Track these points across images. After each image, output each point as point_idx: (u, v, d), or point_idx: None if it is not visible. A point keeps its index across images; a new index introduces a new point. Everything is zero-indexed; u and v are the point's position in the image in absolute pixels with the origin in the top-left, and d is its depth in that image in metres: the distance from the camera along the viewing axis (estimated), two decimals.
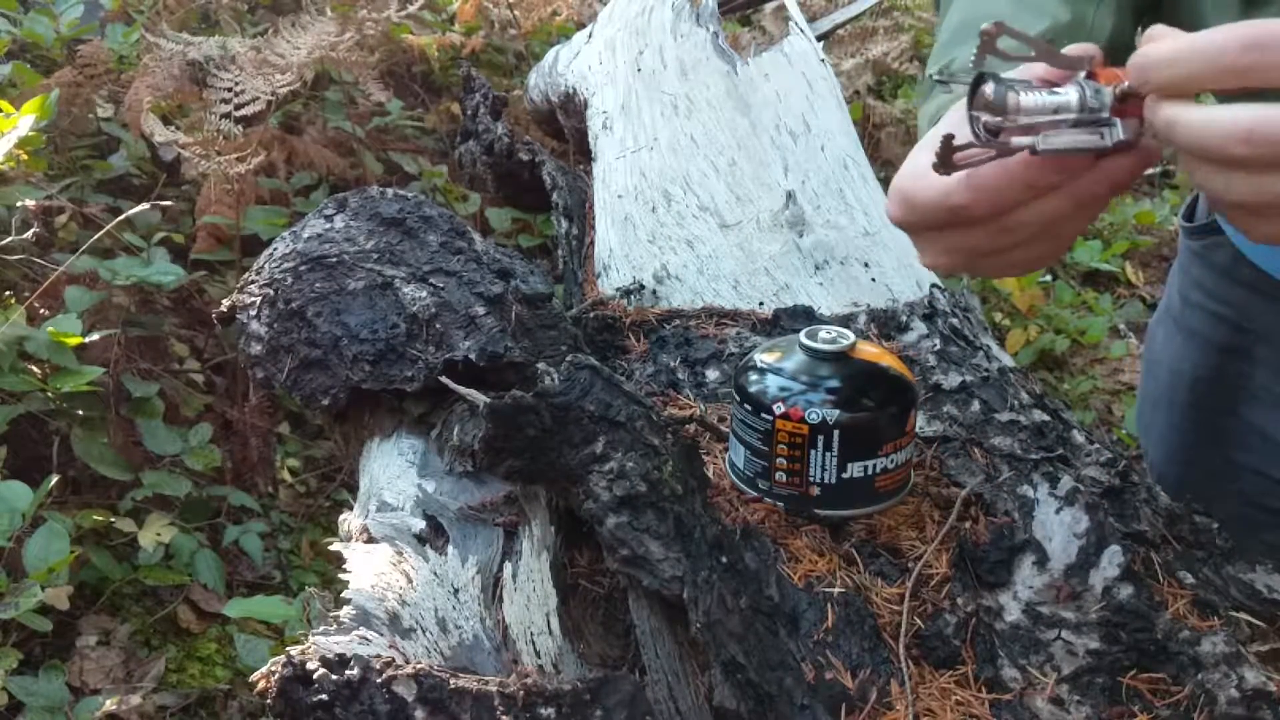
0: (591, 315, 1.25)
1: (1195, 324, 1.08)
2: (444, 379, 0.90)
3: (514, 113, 2.45)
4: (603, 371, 0.84)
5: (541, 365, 0.85)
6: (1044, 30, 0.79)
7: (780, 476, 0.87)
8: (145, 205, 1.79)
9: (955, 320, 1.18)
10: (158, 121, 1.95)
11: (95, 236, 1.76)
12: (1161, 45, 0.55)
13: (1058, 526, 0.87)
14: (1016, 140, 0.59)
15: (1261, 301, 1.01)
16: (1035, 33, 0.76)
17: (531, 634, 0.79)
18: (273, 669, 0.71)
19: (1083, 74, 0.60)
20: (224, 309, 1.11)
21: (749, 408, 0.87)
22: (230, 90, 2.08)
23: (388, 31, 2.59)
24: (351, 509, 0.97)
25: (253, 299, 1.07)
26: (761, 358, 0.90)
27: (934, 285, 1.28)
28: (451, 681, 0.71)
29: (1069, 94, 0.59)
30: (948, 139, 0.60)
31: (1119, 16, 0.86)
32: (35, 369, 1.66)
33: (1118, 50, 0.84)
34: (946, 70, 0.72)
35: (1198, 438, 1.11)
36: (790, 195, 1.38)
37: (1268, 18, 0.57)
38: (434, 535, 0.89)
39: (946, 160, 0.61)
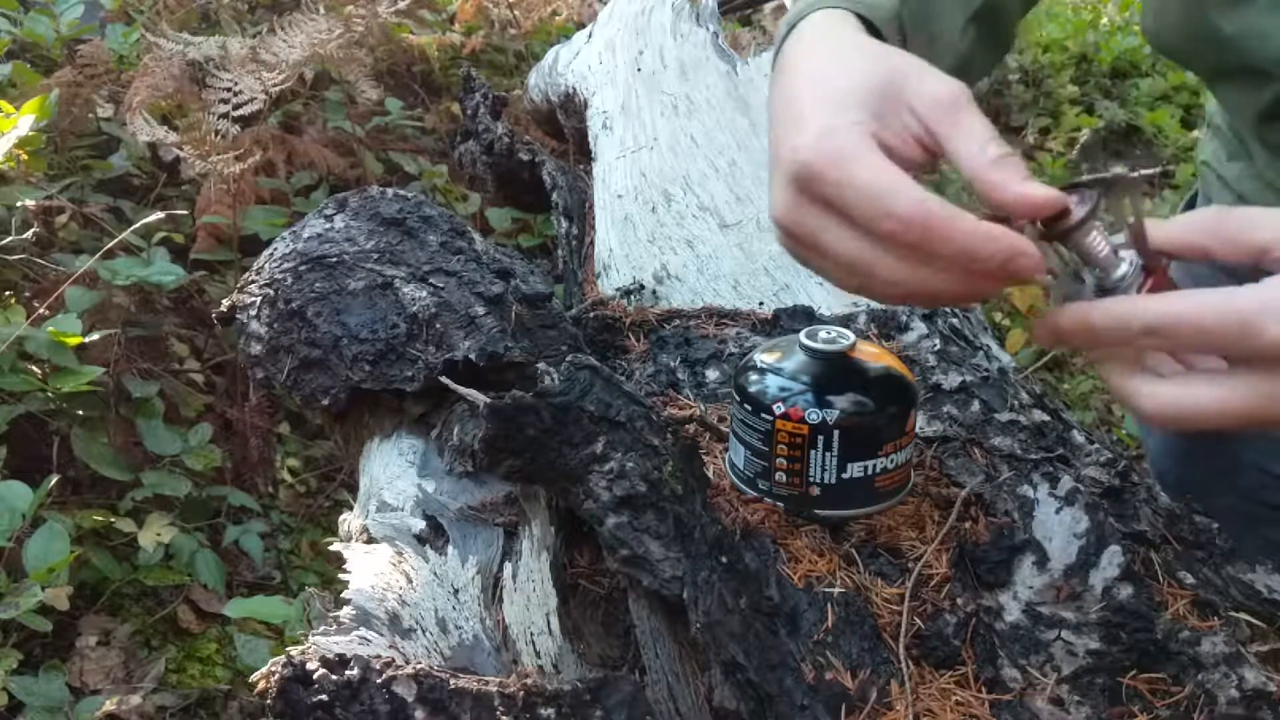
0: (591, 315, 1.25)
1: None
2: (444, 379, 0.90)
3: (514, 113, 2.45)
4: (603, 371, 0.84)
5: (541, 365, 0.85)
6: None
7: (780, 477, 0.87)
8: (158, 215, 1.79)
9: (955, 320, 1.18)
10: (147, 120, 1.95)
11: (106, 246, 1.75)
12: (1099, 315, 0.59)
13: (1058, 526, 0.87)
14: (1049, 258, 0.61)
15: None
16: None
17: (531, 634, 0.79)
18: (273, 669, 0.71)
19: (1138, 262, 0.62)
20: (224, 309, 1.11)
21: (749, 408, 0.87)
22: (229, 90, 2.08)
23: (386, 31, 2.59)
24: (351, 509, 0.97)
25: (252, 299, 1.07)
26: (761, 358, 0.90)
27: None
28: (451, 682, 0.71)
29: (1122, 266, 0.62)
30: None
31: None
32: (35, 369, 1.66)
33: (993, 9, 0.85)
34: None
35: (1198, 435, 1.11)
36: None
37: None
38: (434, 535, 0.89)
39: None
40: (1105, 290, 0.62)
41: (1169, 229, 0.62)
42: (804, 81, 0.65)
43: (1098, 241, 0.62)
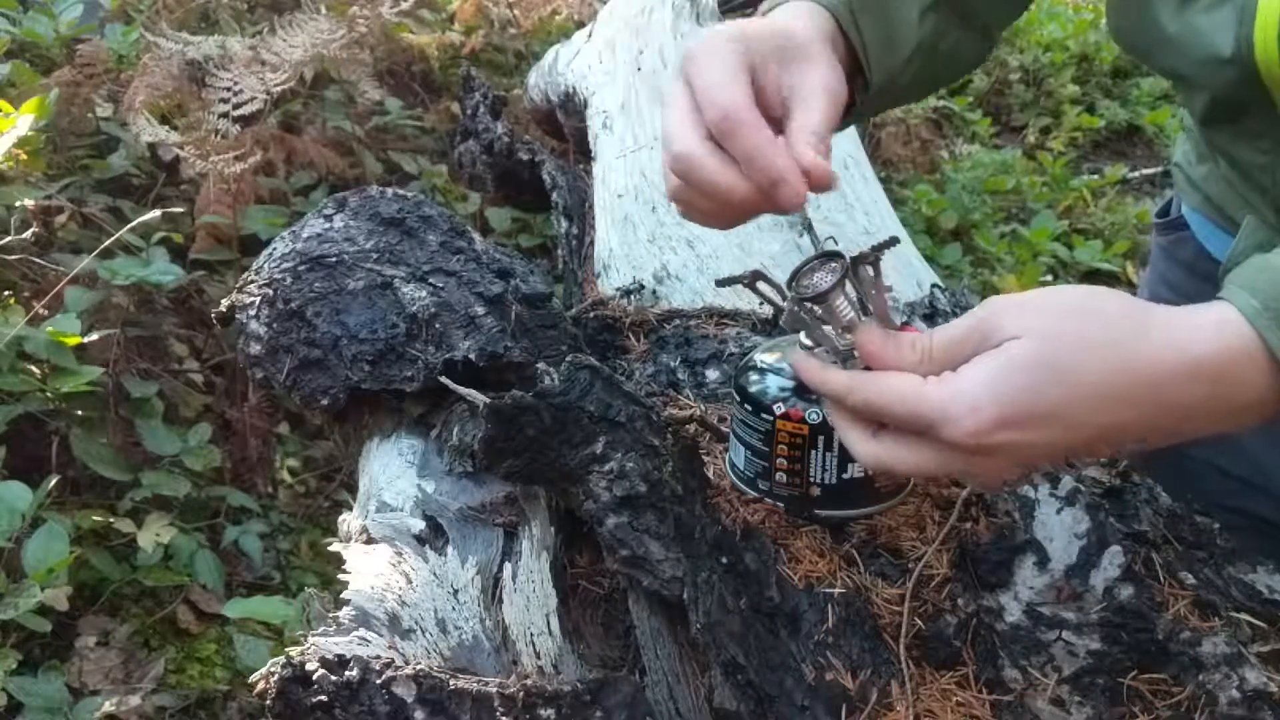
0: (591, 315, 1.25)
1: None
2: (444, 379, 0.90)
3: (514, 112, 2.45)
4: (603, 371, 0.83)
5: (541, 365, 0.85)
6: None
7: (780, 477, 0.87)
8: (155, 213, 1.79)
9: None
10: (147, 120, 1.95)
11: (104, 244, 1.75)
12: (815, 370, 0.71)
13: (1058, 527, 0.87)
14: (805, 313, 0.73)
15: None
16: None
17: (531, 635, 0.79)
18: (272, 670, 0.71)
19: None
20: (223, 309, 1.11)
21: (749, 408, 0.87)
22: (229, 90, 2.08)
23: (386, 30, 2.59)
24: (351, 509, 0.97)
25: (252, 299, 1.07)
26: (761, 358, 0.90)
27: (934, 285, 1.28)
28: (451, 682, 0.71)
29: (860, 333, 0.70)
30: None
31: None
32: (34, 369, 1.65)
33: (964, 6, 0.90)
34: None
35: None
36: None
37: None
38: (434, 536, 0.88)
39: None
40: (848, 353, 0.72)
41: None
42: (731, 26, 0.77)
43: (843, 307, 0.72)
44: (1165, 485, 1.00)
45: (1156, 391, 0.61)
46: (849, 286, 0.73)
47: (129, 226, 1.78)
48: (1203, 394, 0.61)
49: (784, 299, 0.76)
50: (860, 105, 0.87)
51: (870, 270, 0.74)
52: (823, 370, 0.71)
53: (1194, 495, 0.98)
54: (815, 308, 0.72)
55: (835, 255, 0.73)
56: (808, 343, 0.76)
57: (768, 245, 1.34)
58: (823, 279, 0.72)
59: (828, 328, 0.73)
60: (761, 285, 0.79)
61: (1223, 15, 0.78)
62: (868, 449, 0.69)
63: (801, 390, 0.85)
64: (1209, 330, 0.62)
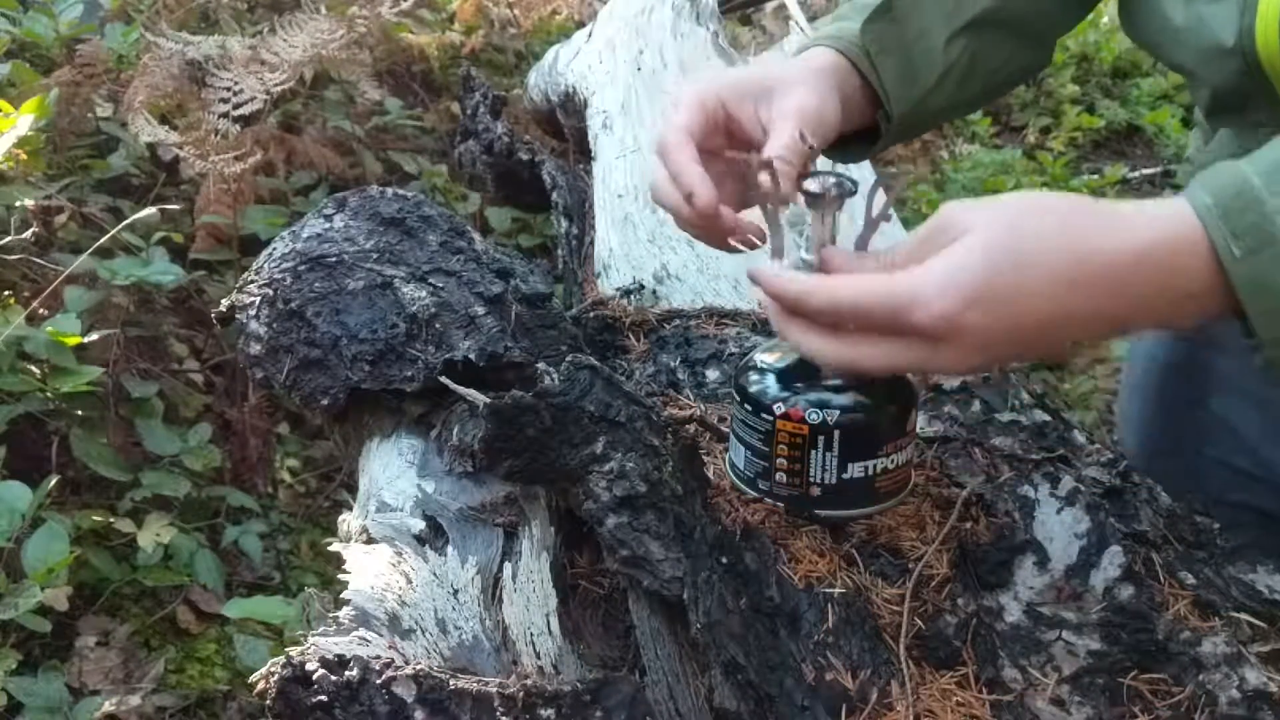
0: (591, 315, 1.25)
1: None
2: (444, 379, 0.90)
3: (514, 112, 2.45)
4: (603, 371, 0.83)
5: (541, 365, 0.85)
6: None
7: (781, 477, 0.87)
8: (150, 210, 1.79)
9: None
10: (147, 120, 1.95)
11: (99, 242, 1.75)
12: (775, 277, 0.73)
13: (1058, 527, 0.87)
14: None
15: None
16: None
17: (531, 635, 0.79)
18: (272, 670, 0.71)
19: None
20: (223, 309, 1.11)
21: (749, 408, 0.87)
22: (229, 90, 2.08)
23: (386, 30, 2.59)
24: (351, 509, 0.97)
25: (252, 299, 1.07)
26: (761, 358, 0.90)
27: None
28: (451, 682, 0.71)
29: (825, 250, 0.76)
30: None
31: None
32: (34, 369, 1.65)
33: (999, 14, 0.94)
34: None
35: (1167, 427, 1.13)
36: None
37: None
38: (434, 536, 0.88)
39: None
40: (809, 269, 0.76)
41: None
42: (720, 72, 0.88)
43: (821, 227, 0.77)
44: (1174, 482, 1.01)
45: (1108, 276, 0.64)
46: (833, 217, 0.78)
47: (125, 223, 1.77)
48: (1149, 280, 0.64)
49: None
50: (886, 134, 0.93)
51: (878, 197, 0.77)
52: (783, 273, 0.74)
53: (1201, 490, 0.98)
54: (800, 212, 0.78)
55: (846, 182, 0.78)
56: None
57: (769, 247, 1.34)
58: (825, 188, 0.77)
59: (797, 235, 0.77)
60: None
61: (1225, 6, 0.79)
62: (832, 348, 0.70)
63: (802, 390, 0.86)
64: (1160, 220, 0.64)
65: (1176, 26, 0.84)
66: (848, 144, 0.92)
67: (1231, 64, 0.81)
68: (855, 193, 0.78)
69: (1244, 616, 0.83)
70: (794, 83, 0.84)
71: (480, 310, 1.01)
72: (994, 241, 0.65)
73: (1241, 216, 0.62)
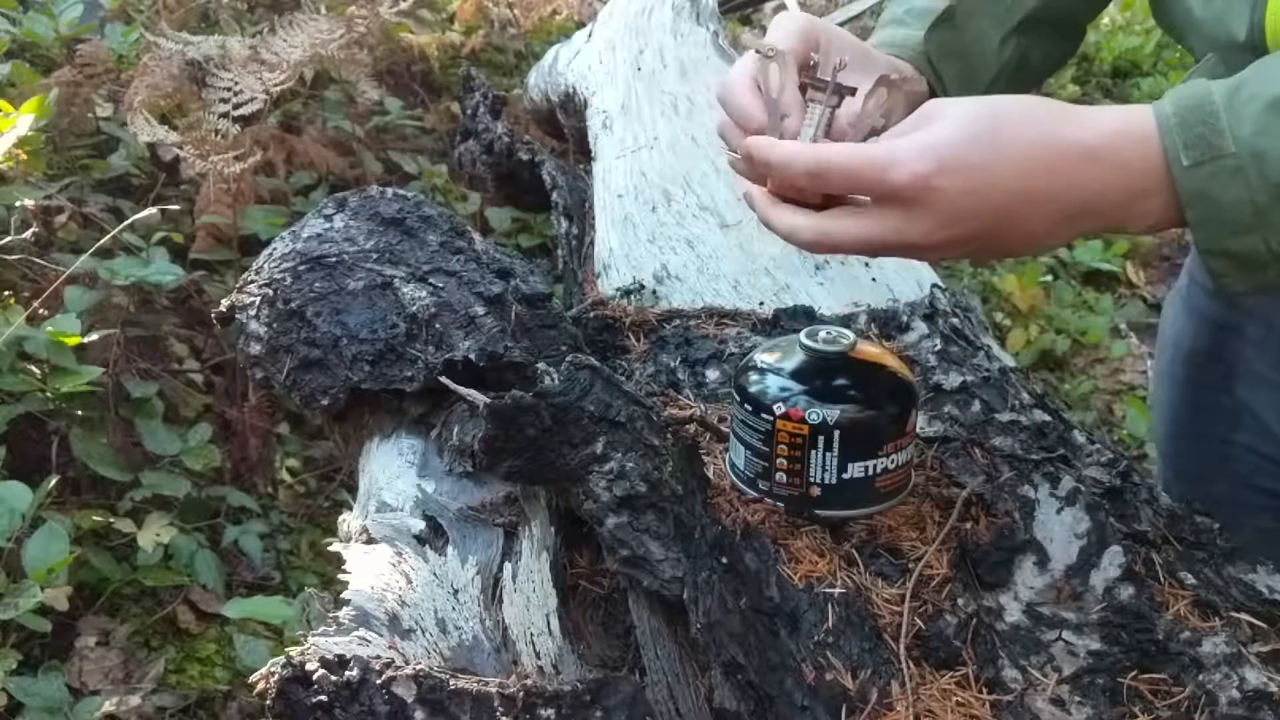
0: (591, 315, 1.25)
1: (1197, 300, 1.13)
2: (444, 379, 0.90)
3: (514, 112, 2.45)
4: (603, 371, 0.83)
5: (541, 365, 0.85)
6: None
7: (780, 477, 0.87)
8: (151, 211, 1.79)
9: (956, 320, 1.18)
10: (147, 120, 1.95)
11: (100, 242, 1.75)
12: (768, 147, 0.74)
13: (1058, 527, 0.87)
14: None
15: None
16: None
17: (531, 635, 0.79)
18: (272, 670, 0.71)
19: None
20: (223, 309, 1.11)
21: (749, 408, 0.87)
22: (229, 90, 2.08)
23: (386, 30, 2.59)
24: (351, 509, 0.97)
25: (252, 299, 1.07)
26: (761, 358, 0.90)
27: (934, 285, 1.28)
28: (451, 682, 0.71)
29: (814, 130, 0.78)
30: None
31: None
32: (34, 369, 1.65)
33: (1046, 13, 0.99)
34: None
35: (1196, 414, 1.14)
36: None
37: None
38: (434, 536, 0.88)
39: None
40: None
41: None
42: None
43: (812, 120, 0.78)
44: (1203, 465, 1.09)
45: (1070, 160, 0.68)
46: (830, 112, 0.79)
47: (126, 224, 1.77)
48: (1104, 173, 0.67)
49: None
50: None
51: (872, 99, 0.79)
52: (772, 141, 0.75)
53: (1228, 476, 1.04)
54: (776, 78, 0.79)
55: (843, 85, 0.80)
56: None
57: (768, 245, 1.34)
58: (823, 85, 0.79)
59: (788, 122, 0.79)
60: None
61: (1238, 1, 0.82)
62: (810, 222, 0.73)
63: (801, 390, 0.86)
64: (1122, 121, 0.68)
65: (1197, 18, 0.87)
66: None
67: (1245, 57, 0.82)
68: (854, 93, 0.79)
69: (1244, 616, 0.83)
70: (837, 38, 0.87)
71: (480, 310, 1.01)
72: (972, 116, 0.69)
73: (1194, 129, 0.65)
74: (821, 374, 0.87)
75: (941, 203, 0.68)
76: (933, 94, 0.94)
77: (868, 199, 0.71)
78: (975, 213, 0.68)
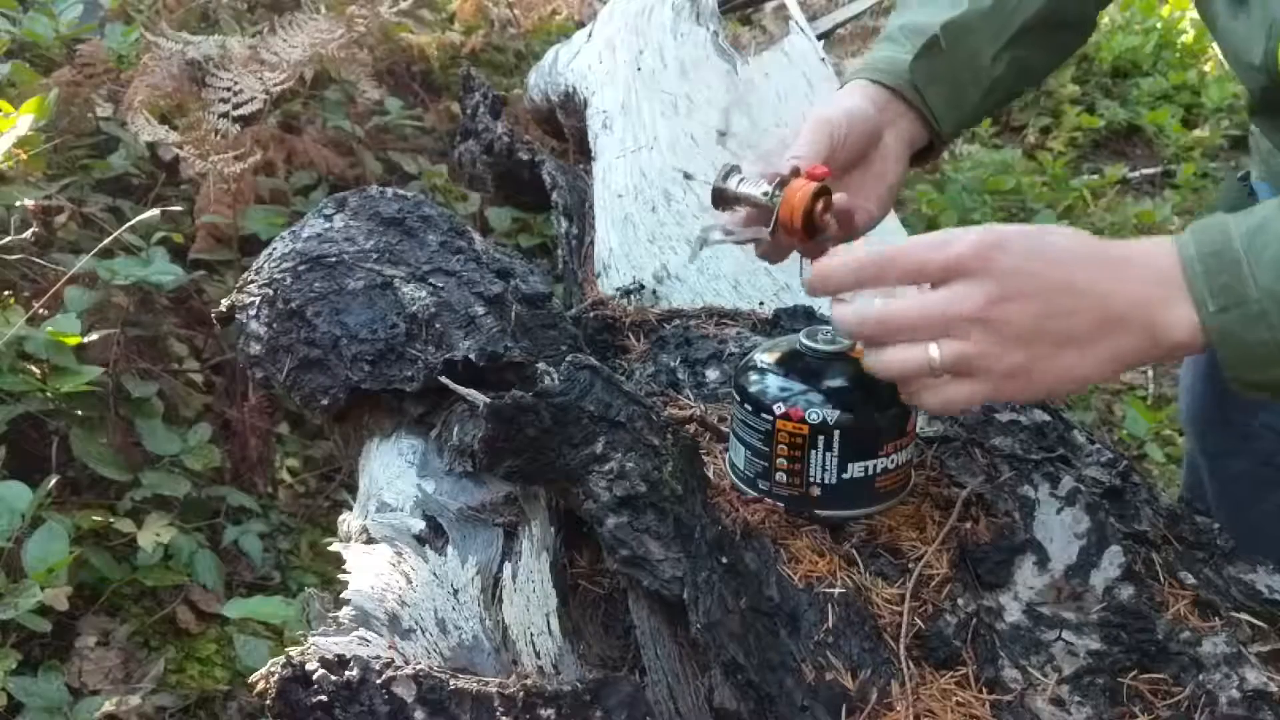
0: (591, 315, 1.25)
1: None
2: (444, 379, 0.90)
3: (514, 112, 2.44)
4: (603, 371, 0.83)
5: (541, 365, 0.85)
6: (960, 13, 0.98)
7: (780, 477, 0.87)
8: (154, 212, 1.79)
9: None
10: (147, 120, 1.95)
11: (102, 244, 1.75)
12: (831, 261, 0.79)
13: (1058, 527, 0.87)
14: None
15: None
16: (950, 15, 0.98)
17: (531, 635, 0.79)
18: (272, 670, 0.71)
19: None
20: (223, 309, 1.11)
21: (749, 408, 0.87)
22: (229, 90, 2.08)
23: (386, 30, 2.59)
24: (351, 509, 0.97)
25: (252, 299, 1.07)
26: (761, 358, 0.90)
27: None
28: (451, 682, 0.71)
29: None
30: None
31: None
32: (35, 369, 1.65)
33: (1054, 16, 1.01)
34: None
35: (1219, 396, 1.17)
36: None
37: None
38: (434, 536, 0.88)
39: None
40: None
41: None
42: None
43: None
44: (1226, 445, 1.14)
45: (1112, 262, 0.73)
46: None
47: (127, 225, 1.77)
48: (1141, 272, 0.72)
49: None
50: (940, 146, 1.02)
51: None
52: (855, 253, 0.81)
53: (1250, 454, 1.10)
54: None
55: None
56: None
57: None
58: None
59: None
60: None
61: (1255, 27, 0.86)
62: (874, 306, 0.77)
63: (801, 390, 0.86)
64: (1151, 240, 0.74)
65: (1220, 29, 0.93)
66: (915, 157, 1.02)
67: (1260, 78, 0.88)
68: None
69: (1244, 616, 0.83)
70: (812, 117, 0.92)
71: (480, 310, 1.01)
72: (1020, 227, 0.75)
73: (1218, 277, 0.68)
74: (821, 374, 0.87)
75: (1000, 270, 0.71)
76: (919, 113, 0.97)
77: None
78: (1031, 291, 0.71)
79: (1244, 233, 0.68)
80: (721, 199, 0.88)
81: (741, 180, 0.87)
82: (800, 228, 0.84)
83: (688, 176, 0.91)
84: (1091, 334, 0.72)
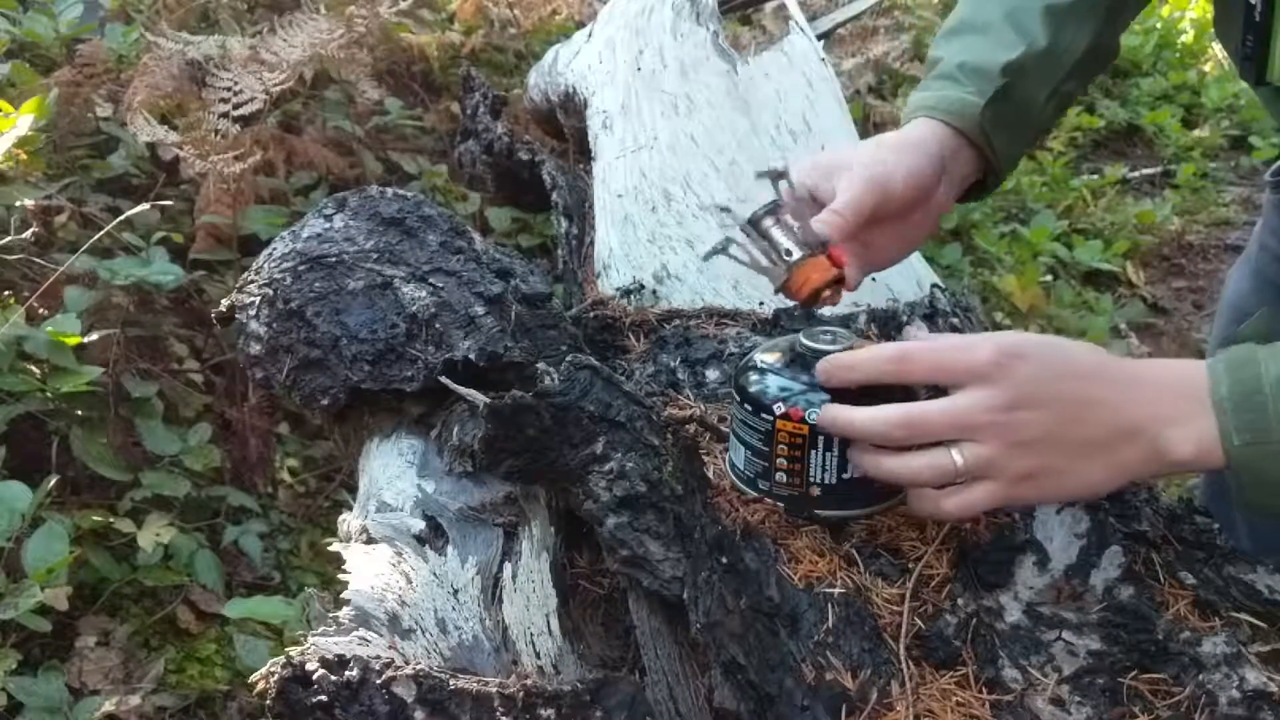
0: (591, 315, 1.25)
1: (1263, 267, 1.22)
2: (444, 379, 0.90)
3: (514, 112, 2.44)
4: (603, 371, 0.83)
5: (541, 365, 0.85)
6: (1019, 55, 1.01)
7: (780, 477, 0.87)
8: (145, 206, 1.79)
9: (956, 320, 1.18)
10: (147, 120, 1.95)
11: (95, 237, 1.75)
12: (842, 357, 0.84)
13: (1058, 527, 0.87)
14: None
15: None
16: (1009, 57, 1.00)
17: (531, 635, 0.79)
18: (272, 670, 0.71)
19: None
20: (223, 309, 1.11)
21: (749, 408, 0.87)
22: (229, 90, 2.07)
23: (386, 30, 2.59)
24: (351, 509, 0.97)
25: (252, 299, 1.07)
26: (761, 358, 0.90)
27: (934, 285, 1.28)
28: (451, 682, 0.71)
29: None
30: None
31: (1093, 25, 1.05)
32: (34, 369, 1.65)
33: (1096, 50, 1.05)
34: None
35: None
36: None
37: None
38: (434, 536, 0.88)
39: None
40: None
41: None
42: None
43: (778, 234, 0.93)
44: None
45: (1126, 379, 0.78)
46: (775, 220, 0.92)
47: (120, 218, 1.77)
48: (1156, 390, 0.77)
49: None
50: (993, 183, 1.06)
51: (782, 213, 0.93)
52: (875, 350, 0.84)
53: None
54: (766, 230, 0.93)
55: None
56: (810, 344, 0.87)
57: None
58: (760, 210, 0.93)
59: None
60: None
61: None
62: (896, 410, 0.79)
63: (801, 390, 0.86)
64: (1174, 362, 0.80)
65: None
66: (965, 194, 1.06)
67: (1267, 93, 0.96)
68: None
69: (1244, 616, 0.83)
70: (860, 160, 0.95)
71: (480, 310, 1.01)
72: (1040, 337, 0.80)
73: (1245, 415, 0.73)
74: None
75: (1020, 377, 0.76)
76: (976, 150, 1.00)
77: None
78: (1048, 399, 0.76)
79: (1274, 378, 0.74)
80: (755, 229, 0.93)
81: (777, 223, 0.92)
82: (803, 300, 0.92)
83: (779, 175, 0.94)
84: (1101, 444, 0.76)
